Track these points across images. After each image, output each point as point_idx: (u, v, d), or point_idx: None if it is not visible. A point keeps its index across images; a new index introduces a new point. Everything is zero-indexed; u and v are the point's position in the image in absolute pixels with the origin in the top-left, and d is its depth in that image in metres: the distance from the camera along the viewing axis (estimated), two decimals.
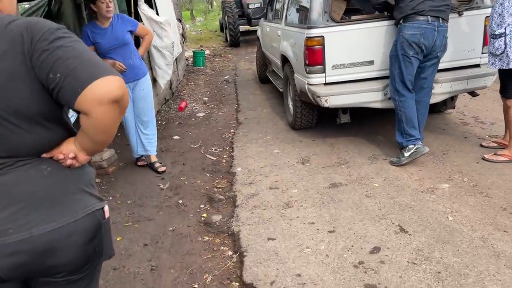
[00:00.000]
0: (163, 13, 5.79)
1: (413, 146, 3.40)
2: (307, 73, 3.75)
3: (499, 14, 3.21)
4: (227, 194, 3.36)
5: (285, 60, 4.63)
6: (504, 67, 3.23)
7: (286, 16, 4.69)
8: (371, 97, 3.71)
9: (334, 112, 4.02)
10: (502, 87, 3.42)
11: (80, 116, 1.06)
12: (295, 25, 4.22)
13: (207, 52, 11.76)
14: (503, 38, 3.19)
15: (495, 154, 3.44)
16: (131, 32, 3.61)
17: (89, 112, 1.02)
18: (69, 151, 1.15)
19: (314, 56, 3.66)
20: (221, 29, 17.26)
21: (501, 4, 3.19)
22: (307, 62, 3.71)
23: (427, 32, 3.24)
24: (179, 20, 8.05)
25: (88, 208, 1.18)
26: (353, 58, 3.71)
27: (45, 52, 1.01)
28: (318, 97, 3.67)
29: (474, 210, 2.74)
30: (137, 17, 4.89)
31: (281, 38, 4.77)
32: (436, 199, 2.91)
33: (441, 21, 3.26)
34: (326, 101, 3.66)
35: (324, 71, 3.70)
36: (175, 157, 4.26)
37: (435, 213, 2.74)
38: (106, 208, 1.27)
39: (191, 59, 10.27)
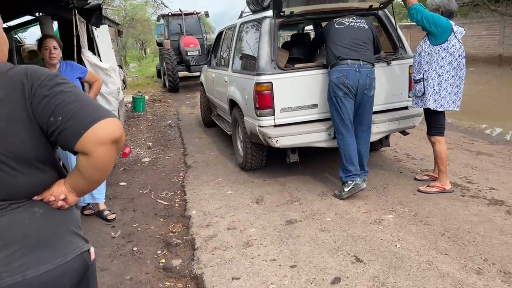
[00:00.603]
0: (106, 60, 5.79)
1: (351, 182, 3.70)
2: (258, 116, 3.95)
3: (418, 62, 3.75)
4: (184, 237, 3.32)
5: (233, 104, 4.82)
6: (424, 107, 3.73)
7: (232, 63, 4.93)
8: (317, 137, 3.99)
9: (282, 152, 4.22)
10: (427, 124, 3.88)
11: (79, 157, 1.10)
12: (244, 72, 4.46)
13: (146, 97, 11.72)
14: (422, 82, 3.70)
15: (428, 186, 3.83)
16: (80, 78, 3.59)
17: (91, 152, 1.06)
18: (59, 192, 1.16)
19: (264, 100, 3.89)
20: (158, 75, 17.36)
21: (419, 54, 3.75)
22: (257, 106, 3.92)
23: (349, 73, 3.66)
24: (120, 67, 8.05)
25: (77, 249, 1.19)
26: (299, 102, 4.00)
27: (46, 97, 1.05)
28: (269, 138, 3.86)
29: (417, 237, 3.01)
30: (80, 64, 4.85)
31: (228, 83, 4.98)
32: (384, 229, 3.15)
33: (361, 63, 3.69)
34: (276, 141, 3.86)
35: (273, 114, 3.93)
36: (124, 204, 4.14)
37: (384, 242, 2.95)
38: (92, 249, 1.27)
39: (130, 105, 10.16)
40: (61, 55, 3.52)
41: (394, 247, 2.88)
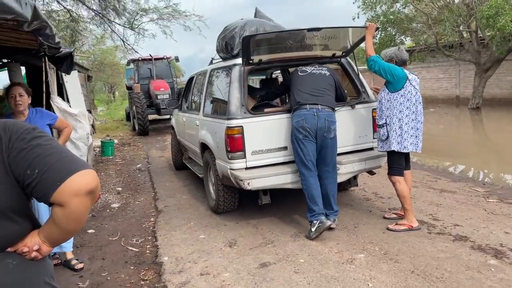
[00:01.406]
0: (75, 105, 5.78)
1: (317, 221, 3.78)
2: (229, 159, 4.01)
3: (379, 109, 4.02)
4: (156, 285, 3.23)
5: (204, 147, 4.88)
6: (389, 150, 3.93)
7: (204, 107, 5.04)
8: (288, 179, 4.07)
9: (254, 194, 4.26)
10: (388, 165, 4.06)
11: (54, 209, 1.11)
12: (215, 116, 4.56)
13: (115, 141, 11.58)
14: (385, 127, 3.93)
15: (396, 224, 3.95)
16: (50, 125, 3.57)
17: (66, 204, 1.08)
18: (33, 243, 1.16)
19: (235, 143, 3.97)
20: (127, 118, 17.29)
21: (379, 101, 4.04)
22: (228, 149, 3.99)
23: (307, 117, 3.85)
24: (89, 111, 8.00)
25: None
26: (269, 144, 4.11)
27: (24, 151, 1.08)
28: (241, 180, 3.91)
29: (388, 275, 3.06)
30: (49, 110, 4.81)
31: (199, 127, 5.06)
32: (356, 269, 3.19)
33: (319, 107, 3.89)
34: (248, 184, 3.91)
35: (244, 157, 4.00)
36: (93, 252, 4.00)
37: (357, 282, 2.99)
38: None
39: (99, 149, 10.01)
40: (29, 102, 3.50)
41: (367, 286, 2.92)
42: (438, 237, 3.72)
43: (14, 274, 1.11)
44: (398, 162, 3.96)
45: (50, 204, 1.12)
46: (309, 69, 4.16)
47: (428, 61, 18.12)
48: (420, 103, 3.91)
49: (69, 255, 3.64)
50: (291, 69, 4.81)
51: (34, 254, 1.15)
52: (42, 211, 3.18)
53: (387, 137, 3.92)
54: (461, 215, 4.25)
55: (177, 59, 16.42)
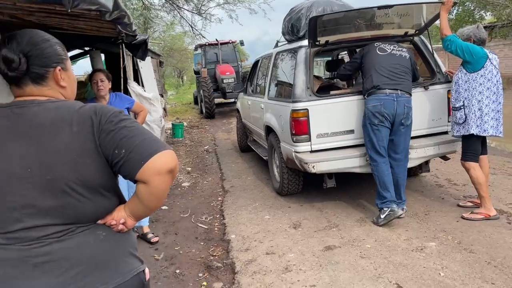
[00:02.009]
0: (149, 89, 6.11)
1: (387, 208, 3.66)
2: (294, 141, 4.03)
3: (455, 91, 3.76)
4: (224, 261, 3.39)
5: (269, 130, 4.94)
6: (467, 133, 3.68)
7: (269, 91, 5.08)
8: (354, 163, 3.99)
9: (318, 177, 4.25)
10: (462, 150, 3.80)
11: (138, 185, 1.21)
12: (280, 99, 4.58)
13: (184, 124, 12.10)
14: (462, 109, 3.67)
15: (472, 212, 3.72)
16: (128, 109, 3.82)
17: (149, 181, 1.18)
18: (120, 217, 1.28)
19: (300, 126, 3.97)
20: (195, 102, 17.91)
21: (455, 83, 3.76)
22: (293, 132, 4.00)
23: (386, 102, 3.66)
24: (161, 95, 8.43)
25: (134, 270, 1.29)
26: (335, 128, 4.05)
27: (112, 132, 1.18)
28: (306, 163, 3.92)
29: (462, 266, 2.92)
30: (126, 94, 5.15)
31: (264, 110, 5.11)
32: (426, 257, 3.08)
33: (399, 92, 3.69)
34: (313, 167, 3.90)
35: (310, 140, 3.99)
36: (166, 227, 4.28)
37: (427, 270, 2.89)
38: (147, 270, 1.37)
39: (170, 131, 10.54)
40: (109, 87, 3.77)
41: (438, 276, 2.81)
42: None
43: (104, 243, 1.24)
44: (474, 148, 3.71)
45: (135, 182, 1.22)
46: (388, 48, 3.89)
47: (511, 38, 16.42)
48: (500, 83, 3.61)
49: (146, 229, 3.93)
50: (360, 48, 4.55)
51: (120, 226, 1.27)
52: (122, 187, 3.46)
53: (465, 120, 3.67)
54: None
55: (242, 43, 16.59)
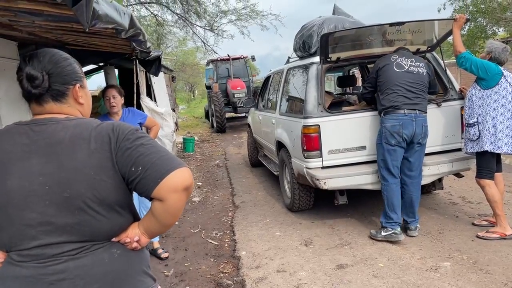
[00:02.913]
0: (161, 104, 6.18)
1: (391, 229, 3.65)
2: (305, 157, 4.01)
3: (469, 107, 3.73)
4: (234, 278, 3.36)
5: (280, 145, 4.93)
6: (481, 150, 3.63)
7: (280, 106, 5.10)
8: (366, 179, 3.95)
9: (330, 193, 4.21)
10: (477, 167, 3.75)
11: (154, 203, 1.22)
12: (291, 114, 4.59)
13: (195, 138, 12.18)
14: (476, 126, 3.63)
15: (487, 232, 3.65)
16: (140, 124, 3.86)
17: (165, 199, 1.18)
18: (134, 234, 1.28)
19: (311, 142, 3.96)
20: (206, 116, 18.04)
21: (469, 99, 3.74)
22: (305, 148, 3.99)
23: (406, 123, 3.62)
24: (173, 110, 8.51)
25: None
26: (347, 144, 4.03)
27: (129, 150, 1.19)
28: (317, 180, 3.89)
29: (478, 287, 2.84)
30: (139, 109, 5.22)
31: (275, 125, 5.12)
32: (441, 277, 3.01)
33: (417, 112, 3.66)
34: (324, 183, 3.87)
35: (321, 156, 3.97)
36: (176, 243, 4.26)
37: None
38: (159, 287, 1.37)
39: (181, 145, 10.60)
40: (122, 102, 3.82)
41: None
42: None
43: (118, 262, 1.24)
44: (488, 165, 3.65)
45: (151, 199, 1.22)
46: (405, 63, 3.76)
47: None
48: None
49: (156, 245, 3.93)
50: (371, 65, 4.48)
51: (134, 244, 1.27)
52: (136, 203, 3.47)
53: (479, 137, 3.63)
54: None
55: (253, 59, 16.76)
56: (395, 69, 3.75)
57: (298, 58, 5.09)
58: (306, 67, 4.44)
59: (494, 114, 3.56)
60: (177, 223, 4.87)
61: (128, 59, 5.16)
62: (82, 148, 1.17)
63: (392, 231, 3.66)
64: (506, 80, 3.56)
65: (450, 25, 3.94)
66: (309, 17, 5.60)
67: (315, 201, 4.62)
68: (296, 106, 4.55)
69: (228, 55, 15.48)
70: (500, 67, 3.60)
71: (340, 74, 7.63)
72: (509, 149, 3.56)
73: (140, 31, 2.98)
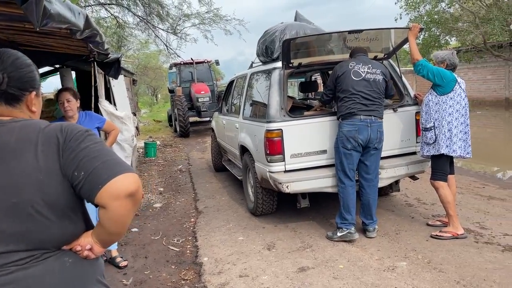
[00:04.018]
0: (121, 108, 6.02)
1: (346, 229, 3.80)
2: (268, 161, 4.04)
3: (426, 112, 3.90)
4: (196, 285, 3.31)
5: (244, 150, 4.93)
6: (437, 153, 3.79)
7: (243, 110, 5.10)
8: (327, 182, 4.03)
9: (292, 197, 4.26)
10: (432, 170, 3.92)
11: (99, 211, 1.17)
12: (254, 119, 4.61)
13: (157, 143, 11.94)
14: (433, 130, 3.80)
15: (440, 231, 3.81)
16: (98, 128, 3.74)
17: (107, 206, 1.13)
18: (86, 243, 1.23)
19: (274, 146, 3.99)
20: (169, 120, 17.76)
21: (426, 105, 3.91)
22: (268, 152, 4.01)
23: (361, 128, 3.75)
24: (134, 114, 8.31)
25: None
26: (309, 148, 4.09)
27: (74, 152, 1.14)
28: (280, 183, 3.92)
29: (432, 285, 2.96)
30: (97, 112, 5.05)
31: (239, 130, 5.12)
32: (398, 277, 3.11)
33: (373, 118, 3.79)
34: (287, 187, 3.91)
35: (284, 160, 4.01)
36: (136, 250, 4.15)
37: None
38: None
39: (142, 150, 10.36)
40: (78, 105, 3.68)
41: None
42: (485, 246, 3.54)
43: (70, 271, 1.18)
44: (443, 167, 3.83)
45: (97, 206, 1.18)
46: (362, 70, 3.84)
47: (474, 62, 17.26)
48: (468, 106, 3.79)
49: (114, 253, 3.80)
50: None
51: (86, 253, 1.22)
52: (90, 211, 3.35)
53: (435, 141, 3.80)
54: (511, 224, 4.03)
55: (217, 63, 16.71)
56: (353, 77, 3.84)
57: (261, 63, 5.12)
58: (268, 72, 4.48)
59: (449, 118, 3.74)
60: (136, 229, 4.75)
61: (86, 61, 4.98)
62: (29, 151, 1.12)
63: (347, 231, 3.79)
64: (460, 86, 3.76)
65: (406, 34, 4.11)
66: (273, 23, 5.68)
67: (278, 205, 4.65)
68: (259, 111, 4.57)
69: (192, 59, 15.34)
70: (454, 74, 3.80)
71: (303, 79, 7.75)
72: (462, 152, 3.75)
73: (97, 32, 2.89)
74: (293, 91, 17.29)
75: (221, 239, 4.18)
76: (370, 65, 3.91)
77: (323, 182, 4.03)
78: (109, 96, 5.85)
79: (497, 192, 5.24)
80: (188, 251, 4.04)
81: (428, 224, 4.10)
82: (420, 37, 15.33)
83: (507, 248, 3.48)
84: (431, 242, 3.70)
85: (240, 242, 4.06)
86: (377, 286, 2.99)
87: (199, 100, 13.77)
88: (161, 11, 12.42)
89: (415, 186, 5.45)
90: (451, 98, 3.74)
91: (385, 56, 4.55)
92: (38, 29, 1.85)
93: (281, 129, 3.99)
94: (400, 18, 15.85)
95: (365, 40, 4.27)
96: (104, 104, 5.15)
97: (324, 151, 4.13)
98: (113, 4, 12.14)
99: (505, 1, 13.99)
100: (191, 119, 14.60)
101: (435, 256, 3.41)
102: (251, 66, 5.63)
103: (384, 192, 4.92)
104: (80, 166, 1.12)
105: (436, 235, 3.78)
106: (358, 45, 4.30)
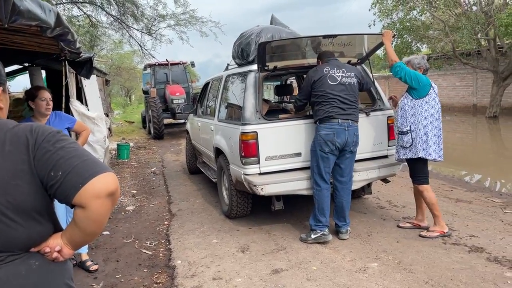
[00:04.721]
0: (93, 109, 5.89)
1: (320, 231, 3.85)
2: (243, 164, 4.04)
3: (401, 116, 3.99)
4: None
5: (218, 152, 4.91)
6: (414, 157, 3.89)
7: (219, 113, 5.09)
8: (301, 185, 4.07)
9: (267, 199, 4.27)
10: (413, 174, 4.02)
11: (76, 210, 1.15)
12: (229, 121, 4.60)
13: (131, 144, 11.74)
14: (409, 134, 3.90)
15: (428, 231, 3.93)
16: (68, 128, 3.64)
17: (87, 205, 1.11)
18: (55, 244, 1.20)
19: (249, 149, 3.99)
20: (143, 122, 17.49)
21: (401, 109, 4.00)
22: (243, 154, 4.02)
23: (339, 132, 3.81)
24: (106, 115, 8.14)
25: None
26: (283, 150, 4.12)
27: (48, 152, 1.12)
28: (254, 186, 3.93)
29: (402, 285, 3.03)
30: (68, 113, 4.92)
31: (214, 132, 5.10)
32: (369, 278, 3.17)
33: (350, 122, 3.86)
34: (262, 189, 3.92)
35: (258, 162, 4.02)
36: (107, 254, 4.06)
37: None
38: None
39: (115, 152, 10.16)
40: None
41: None
42: (453, 247, 3.66)
43: (37, 274, 1.14)
44: (423, 170, 3.94)
45: (72, 206, 1.15)
46: (337, 75, 3.90)
47: (444, 69, 17.89)
48: (440, 110, 3.92)
49: (84, 257, 3.70)
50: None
51: (55, 255, 1.19)
52: (59, 213, 3.25)
53: (411, 144, 3.89)
54: (477, 225, 4.17)
55: (193, 65, 16.61)
56: (329, 82, 3.89)
57: (236, 66, 5.13)
58: (244, 75, 4.49)
59: (425, 122, 3.84)
60: (108, 233, 4.65)
61: (57, 60, 4.84)
62: None
63: (321, 233, 3.84)
64: (434, 91, 3.88)
65: (379, 39, 4.22)
66: (249, 26, 5.72)
67: (253, 208, 4.65)
68: (235, 113, 4.57)
69: (167, 60, 15.19)
70: (429, 79, 3.91)
71: (278, 83, 7.80)
72: (436, 155, 3.86)
73: (68, 30, 2.82)
74: (269, 94, 17.38)
75: (195, 242, 4.14)
76: (344, 69, 3.98)
77: (298, 184, 4.06)
78: (80, 96, 5.72)
79: (464, 194, 5.43)
80: (161, 254, 3.98)
81: (398, 226, 4.20)
82: (393, 43, 15.74)
83: (473, 248, 3.61)
84: (401, 244, 3.79)
85: (214, 244, 4.04)
86: (349, 287, 3.04)
87: (174, 102, 13.63)
88: (136, 11, 12.25)
89: (386, 189, 5.57)
90: (427, 102, 3.85)
91: (359, 61, 4.64)
92: (6, 26, 1.79)
93: (256, 132, 4.00)
94: (374, 24, 16.24)
95: (339, 45, 4.35)
96: (75, 104, 5.03)
97: (299, 154, 4.17)
98: (86, 2, 11.88)
99: (473, 11, 14.56)
100: (166, 121, 14.43)
101: (405, 257, 3.50)
102: (226, 69, 5.63)
103: (357, 195, 5.00)
104: (57, 166, 1.10)
105: (424, 234, 3.89)
106: (333, 49, 4.37)
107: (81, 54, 3.95)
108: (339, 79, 3.91)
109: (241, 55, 4.78)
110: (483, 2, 14.41)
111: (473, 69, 17.52)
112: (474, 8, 14.84)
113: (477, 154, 9.60)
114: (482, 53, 15.34)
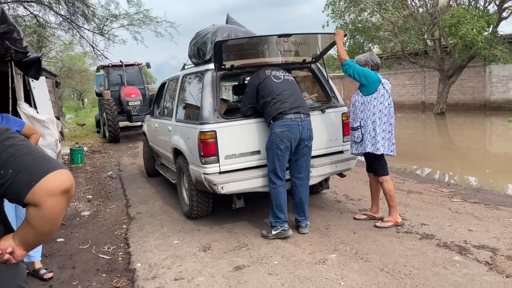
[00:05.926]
0: (43, 111, 5.64)
1: (280, 227, 3.93)
2: (203, 163, 4.02)
3: (353, 112, 4.13)
4: None
5: (177, 152, 4.86)
6: (364, 151, 4.04)
7: (176, 113, 5.03)
8: (261, 182, 4.11)
9: (228, 198, 4.28)
10: (371, 168, 4.18)
11: (28, 209, 1.11)
12: (187, 121, 4.57)
13: (85, 149, 11.31)
14: (359, 129, 4.05)
15: (382, 221, 4.09)
16: (17, 132, 3.47)
17: (41, 203, 1.08)
18: (7, 246, 1.16)
19: (208, 148, 3.99)
20: (97, 126, 16.90)
21: (352, 105, 4.14)
22: (202, 154, 4.00)
23: (293, 127, 3.88)
24: (57, 118, 7.81)
25: None
26: (242, 149, 4.15)
27: None
28: (215, 185, 3.93)
29: (359, 274, 3.15)
30: (16, 116, 4.68)
31: (172, 133, 5.04)
32: (328, 269, 3.27)
33: (302, 116, 3.95)
34: (222, 188, 3.93)
35: (218, 161, 4.03)
36: (62, 261, 3.90)
37: (329, 281, 3.06)
38: None
39: (68, 157, 9.75)
40: None
41: (339, 285, 2.99)
42: (406, 236, 3.85)
43: None
44: (380, 163, 4.11)
45: (24, 205, 1.11)
46: (279, 74, 4.11)
47: (395, 68, 18.75)
48: (392, 106, 4.07)
49: (38, 265, 3.54)
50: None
51: (7, 256, 1.14)
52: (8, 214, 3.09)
53: (362, 139, 4.04)
54: (427, 214, 4.42)
55: (148, 66, 16.25)
56: (274, 80, 4.03)
57: (193, 65, 5.10)
58: (201, 74, 4.47)
59: (374, 118, 3.99)
60: (63, 239, 4.47)
61: (2, 61, 4.59)
62: None
63: (281, 229, 3.91)
64: (384, 87, 4.03)
65: (332, 39, 4.36)
66: (205, 26, 5.67)
67: (214, 207, 4.65)
68: (193, 113, 4.54)
69: (121, 61, 14.77)
70: (378, 74, 4.07)
71: (236, 83, 7.83)
72: (385, 150, 4.03)
73: (14, 28, 2.69)
74: (228, 95, 17.37)
75: (155, 244, 4.08)
76: (281, 71, 4.19)
77: (258, 182, 4.10)
78: (29, 99, 5.45)
79: (415, 186, 5.72)
80: (120, 258, 3.88)
81: (355, 218, 4.36)
82: (345, 44, 16.27)
83: (424, 236, 3.82)
84: (358, 235, 3.94)
85: (175, 245, 4.00)
86: (309, 278, 3.12)
87: (130, 104, 13.28)
88: (86, 11, 11.83)
89: (343, 183, 5.76)
90: (375, 99, 4.01)
91: (313, 60, 4.77)
92: None
93: (215, 131, 4.01)
94: (327, 25, 16.67)
95: (294, 44, 4.44)
96: (23, 107, 4.79)
97: (258, 152, 4.21)
98: (33, 1, 11.30)
99: (419, 13, 15.34)
100: (122, 124, 14.03)
101: (362, 247, 3.64)
102: (183, 68, 5.58)
103: (315, 190, 5.14)
104: (7, 164, 1.06)
105: (379, 225, 4.05)
106: (288, 49, 4.46)
107: (28, 54, 3.78)
108: (282, 77, 4.08)
109: (198, 54, 4.76)
110: (428, 4, 15.23)
111: (421, 68, 18.49)
112: (421, 9, 15.65)
113: (426, 148, 10.13)
114: (429, 53, 16.21)
